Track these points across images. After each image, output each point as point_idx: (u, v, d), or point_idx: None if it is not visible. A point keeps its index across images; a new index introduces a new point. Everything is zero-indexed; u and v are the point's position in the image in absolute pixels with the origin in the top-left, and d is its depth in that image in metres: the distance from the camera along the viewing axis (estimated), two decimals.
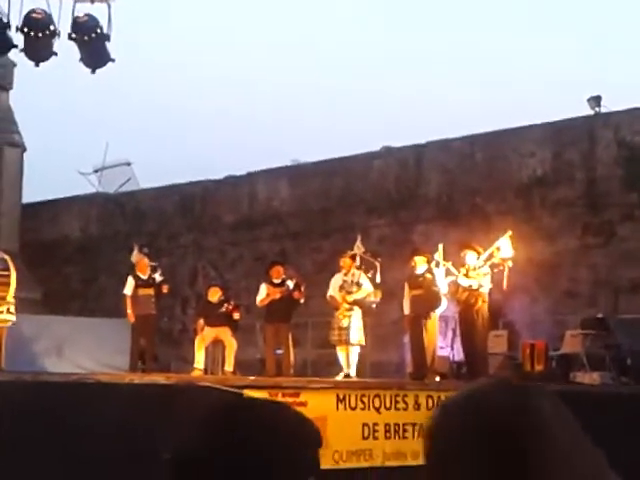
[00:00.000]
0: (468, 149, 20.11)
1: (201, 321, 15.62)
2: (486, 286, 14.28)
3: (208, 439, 1.64)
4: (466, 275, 14.27)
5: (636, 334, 16.22)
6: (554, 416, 1.40)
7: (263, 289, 15.38)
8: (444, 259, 14.55)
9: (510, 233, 14.58)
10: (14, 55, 14.55)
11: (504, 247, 14.48)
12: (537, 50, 40.27)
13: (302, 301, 15.28)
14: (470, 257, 14.44)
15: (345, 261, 14.99)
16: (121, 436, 10.14)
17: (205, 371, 15.17)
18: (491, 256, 14.42)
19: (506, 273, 14.41)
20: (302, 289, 15.22)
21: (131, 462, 10.15)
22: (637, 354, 15.09)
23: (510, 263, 14.43)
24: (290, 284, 15.20)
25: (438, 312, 14.47)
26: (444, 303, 14.50)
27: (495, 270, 14.43)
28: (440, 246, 14.61)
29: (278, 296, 15.09)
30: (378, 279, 14.97)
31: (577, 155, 18.67)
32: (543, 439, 1.36)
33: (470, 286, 14.22)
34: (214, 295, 15.74)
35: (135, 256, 16.42)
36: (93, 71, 13.51)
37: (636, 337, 16.05)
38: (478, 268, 14.29)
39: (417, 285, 14.34)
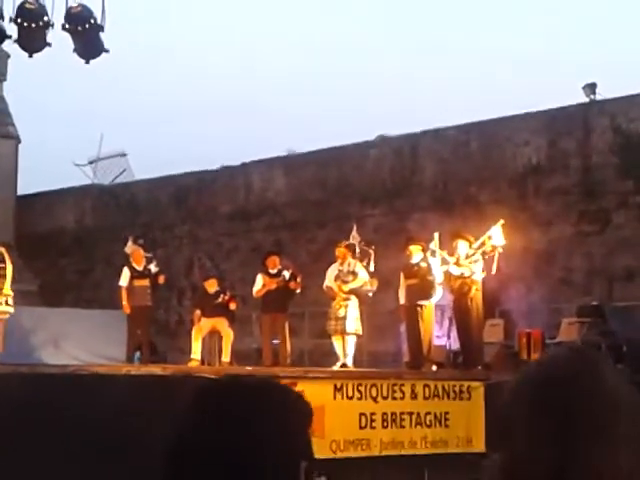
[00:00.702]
0: (463, 138, 20.10)
1: (198, 312, 15.62)
2: (478, 273, 14.28)
3: (194, 425, 1.62)
4: (457, 264, 14.28)
5: (631, 321, 16.26)
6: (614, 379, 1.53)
7: (259, 279, 15.38)
8: (440, 248, 14.56)
9: (502, 222, 14.59)
10: (8, 46, 14.54)
11: (496, 235, 14.50)
12: (532, 38, 40.26)
13: (298, 291, 15.28)
14: (461, 246, 14.46)
15: (340, 251, 14.98)
16: (118, 427, 10.14)
17: (202, 362, 15.18)
18: (483, 244, 14.43)
19: (496, 258, 14.42)
20: (298, 279, 15.22)
21: (128, 453, 10.16)
22: (632, 341, 15.12)
23: (500, 249, 14.44)
24: (286, 274, 15.20)
25: (434, 301, 14.48)
26: (440, 292, 14.51)
27: (486, 257, 14.44)
28: (436, 235, 14.62)
29: (274, 286, 15.09)
30: (372, 267, 14.97)
31: (572, 143, 18.67)
32: (603, 399, 1.48)
33: (462, 274, 14.23)
34: (211, 287, 15.74)
35: (129, 247, 16.41)
36: (87, 62, 13.48)
37: (631, 324, 16.09)
38: (470, 256, 14.30)
39: (412, 274, 14.34)
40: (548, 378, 1.50)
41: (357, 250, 15.11)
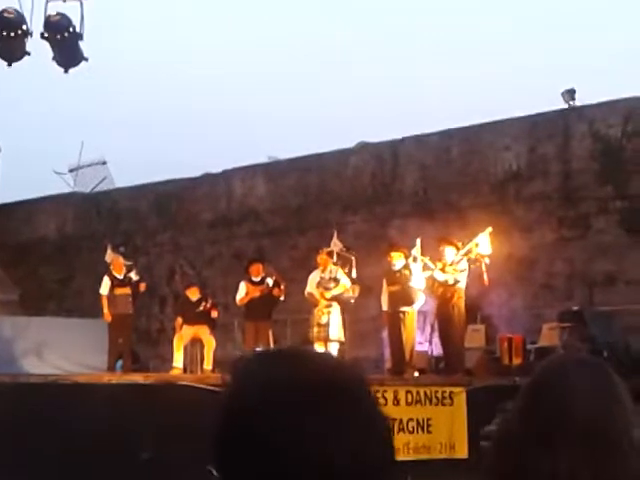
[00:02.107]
0: (444, 144, 20.15)
1: (179, 320, 15.60)
2: (462, 282, 14.32)
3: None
4: (442, 270, 14.31)
5: (612, 326, 16.33)
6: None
7: (242, 287, 15.37)
8: (422, 254, 14.58)
9: (490, 230, 14.61)
10: None
11: (483, 243, 14.52)
12: (511, 44, 40.40)
13: (282, 298, 15.28)
14: (449, 252, 14.48)
15: (322, 258, 15.00)
16: (100, 436, 10.11)
17: (184, 370, 15.15)
18: (469, 252, 14.46)
19: (484, 269, 14.46)
20: (282, 286, 15.23)
21: (110, 462, 10.12)
22: (612, 346, 15.19)
23: (487, 260, 14.47)
24: (270, 282, 15.20)
25: (416, 307, 14.50)
26: (422, 298, 14.54)
27: (472, 266, 14.48)
28: (418, 241, 14.64)
29: (258, 294, 15.09)
30: (354, 274, 14.99)
31: (552, 149, 18.74)
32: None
33: (446, 281, 14.25)
34: (193, 294, 15.72)
35: (109, 256, 16.36)
36: (66, 70, 13.43)
37: (611, 329, 16.16)
38: (455, 263, 14.33)
39: (394, 281, 14.36)
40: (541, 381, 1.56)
41: (336, 257, 15.12)
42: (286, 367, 1.31)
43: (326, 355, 1.40)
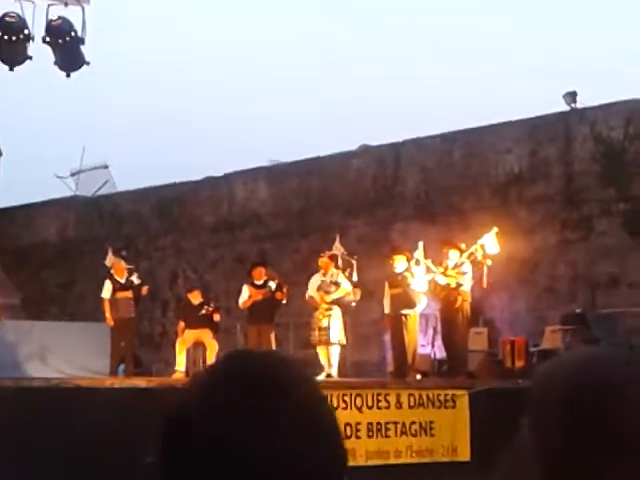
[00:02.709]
0: (446, 147, 20.15)
1: (182, 323, 15.59)
2: (466, 285, 14.30)
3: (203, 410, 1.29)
4: (444, 274, 14.30)
5: (615, 329, 16.31)
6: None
7: (245, 291, 15.37)
8: (424, 257, 14.57)
9: (496, 230, 14.58)
10: None
11: (489, 243, 14.49)
12: (512, 46, 40.41)
13: (284, 302, 15.29)
14: (452, 255, 14.47)
15: (323, 261, 15.00)
16: (102, 440, 10.10)
17: (186, 373, 15.13)
18: (472, 254, 14.44)
19: (485, 271, 14.45)
20: (284, 290, 15.23)
21: (112, 466, 10.12)
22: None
23: (489, 262, 14.46)
24: (272, 285, 15.21)
25: (418, 310, 14.49)
26: (424, 301, 14.53)
27: (474, 269, 14.46)
28: (420, 244, 14.63)
29: (260, 297, 15.10)
30: (355, 278, 14.99)
31: (554, 151, 18.74)
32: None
33: (448, 284, 14.24)
34: (195, 298, 15.72)
35: (110, 259, 16.36)
36: (68, 74, 13.45)
37: (615, 332, 16.14)
38: (458, 266, 14.31)
39: (396, 284, 14.36)
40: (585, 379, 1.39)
41: (339, 261, 15.13)
42: (226, 368, 1.33)
43: (273, 354, 1.38)
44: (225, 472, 1.23)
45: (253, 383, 1.27)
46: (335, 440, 1.32)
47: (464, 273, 14.28)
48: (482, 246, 14.50)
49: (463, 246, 14.64)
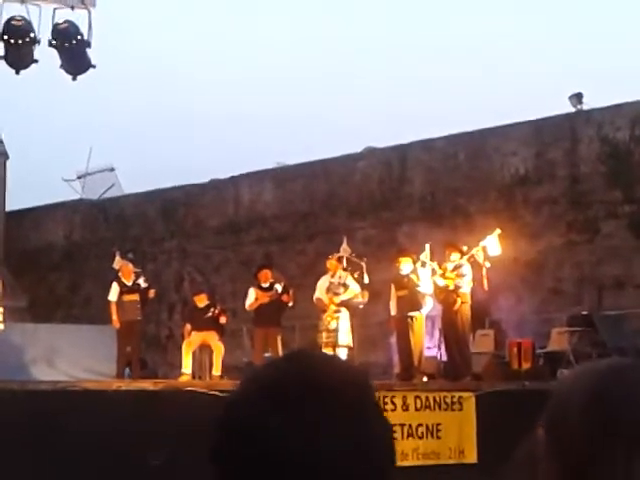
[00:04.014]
0: (451, 149, 20.15)
1: (188, 326, 15.58)
2: (465, 287, 14.26)
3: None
4: (442, 276, 14.28)
5: (621, 330, 16.29)
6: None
7: (252, 293, 15.36)
8: (431, 259, 14.55)
9: (499, 231, 14.56)
10: None
11: (491, 245, 14.47)
12: (518, 48, 40.40)
13: (291, 304, 15.28)
14: (454, 257, 14.46)
15: (331, 263, 15.00)
16: (109, 442, 10.11)
17: (193, 376, 15.13)
18: (472, 256, 14.42)
19: (484, 274, 14.43)
20: (291, 292, 15.23)
21: (119, 468, 10.13)
22: (622, 350, 15.14)
23: (488, 264, 14.43)
24: (279, 288, 15.20)
25: (424, 312, 14.47)
26: (430, 303, 14.51)
27: (475, 271, 14.44)
28: (427, 246, 14.62)
29: (267, 300, 15.09)
30: (366, 280, 14.98)
31: (560, 153, 18.73)
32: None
33: (446, 286, 14.22)
34: (201, 302, 15.72)
35: (117, 262, 16.36)
36: (74, 78, 13.46)
37: (621, 333, 16.12)
38: (457, 268, 14.28)
39: (403, 286, 14.35)
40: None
41: (345, 262, 15.12)
42: (283, 369, 1.31)
43: (329, 357, 1.39)
44: (273, 473, 1.24)
45: (306, 386, 1.27)
46: (383, 445, 1.32)
47: (463, 275, 14.24)
48: (484, 248, 14.46)
49: (465, 248, 14.62)
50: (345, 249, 15.42)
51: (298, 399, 1.26)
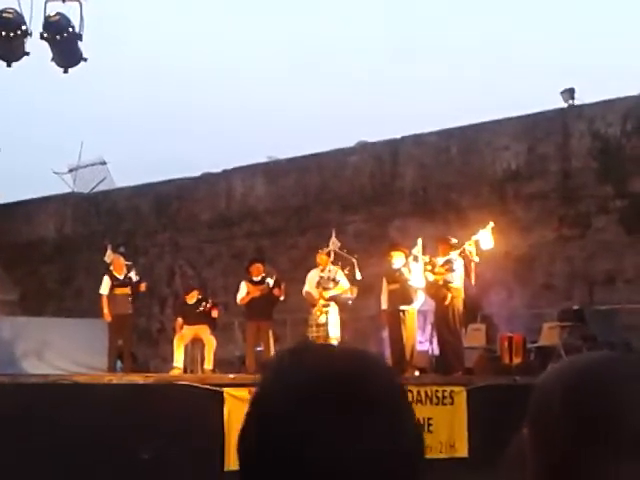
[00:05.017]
0: (443, 143, 20.16)
1: (180, 320, 15.59)
2: (457, 282, 14.27)
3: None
4: (432, 271, 14.29)
5: (612, 325, 16.33)
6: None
7: (243, 287, 15.37)
8: (423, 253, 14.56)
9: (492, 225, 14.57)
10: None
11: (484, 239, 14.47)
12: (510, 43, 40.41)
13: (282, 298, 15.30)
14: (454, 255, 14.45)
15: (322, 257, 15.02)
16: (100, 436, 10.11)
17: (184, 370, 15.15)
18: (463, 251, 14.43)
19: (473, 268, 14.44)
20: (282, 286, 15.24)
21: (110, 462, 10.13)
22: (613, 345, 15.19)
23: (477, 258, 14.44)
24: (270, 281, 15.22)
25: (416, 306, 14.49)
26: (422, 297, 14.53)
27: (470, 263, 14.46)
28: (419, 240, 14.63)
29: (258, 294, 15.10)
30: (358, 276, 14.99)
31: (551, 148, 18.75)
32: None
33: (436, 281, 14.23)
34: (192, 299, 15.72)
35: (109, 256, 16.36)
36: (66, 71, 13.42)
37: (612, 328, 16.16)
38: (447, 263, 14.29)
39: (394, 280, 14.36)
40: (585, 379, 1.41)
41: (333, 256, 15.13)
42: (310, 366, 1.27)
43: (360, 353, 1.33)
44: (302, 469, 1.20)
45: (335, 381, 1.24)
46: (418, 440, 1.30)
47: (453, 270, 14.25)
48: (476, 242, 14.47)
49: (455, 241, 14.62)
50: (334, 242, 15.43)
51: (342, 398, 1.22)
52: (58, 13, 13.17)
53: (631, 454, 1.34)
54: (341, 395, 1.23)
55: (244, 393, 11.12)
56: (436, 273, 14.25)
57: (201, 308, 15.41)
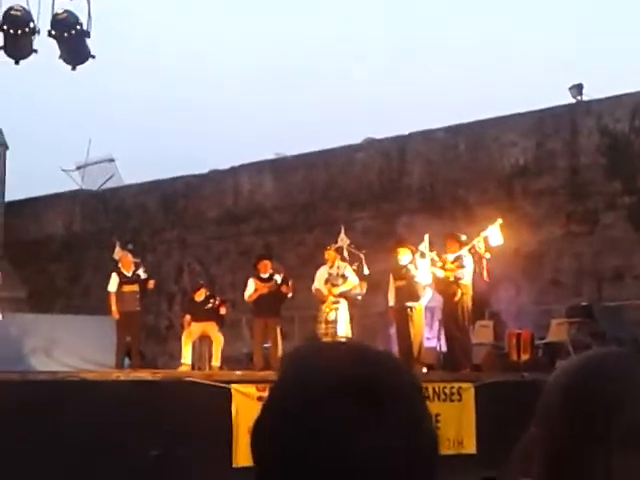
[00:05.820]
0: (451, 139, 20.13)
1: (187, 316, 15.60)
2: (466, 278, 14.23)
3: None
4: (442, 267, 14.25)
5: (620, 321, 16.31)
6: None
7: (251, 284, 15.37)
8: (430, 249, 14.53)
9: (500, 221, 14.52)
10: None
11: (493, 235, 14.42)
12: (519, 39, 40.36)
13: (290, 295, 15.29)
14: (464, 252, 14.41)
15: (330, 254, 15.00)
16: (108, 433, 10.12)
17: (192, 366, 15.16)
18: (473, 247, 14.39)
19: (484, 265, 14.40)
20: (290, 283, 15.23)
21: (118, 459, 10.14)
22: (621, 341, 15.16)
23: (488, 255, 14.39)
24: (278, 278, 15.21)
25: (423, 303, 14.47)
26: (429, 294, 14.50)
27: (478, 259, 14.42)
28: (426, 236, 14.60)
29: (266, 291, 15.09)
30: (366, 271, 14.98)
31: (559, 144, 18.71)
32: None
33: (446, 277, 14.19)
34: (200, 296, 15.73)
35: (118, 253, 16.37)
36: (73, 68, 13.44)
37: (620, 324, 16.14)
38: (458, 260, 14.25)
39: (401, 276, 14.34)
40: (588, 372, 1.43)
41: (345, 253, 15.13)
42: (326, 364, 1.26)
43: (370, 350, 1.32)
44: (319, 467, 1.20)
45: (351, 379, 1.23)
46: (429, 437, 1.30)
47: (463, 266, 14.21)
48: (485, 238, 14.42)
49: (464, 238, 14.58)
50: (343, 239, 15.42)
51: (359, 396, 1.22)
52: (66, 10, 13.19)
53: (627, 448, 1.35)
54: (358, 393, 1.22)
55: (251, 390, 11.12)
56: (447, 269, 14.21)
57: (209, 305, 15.42)
